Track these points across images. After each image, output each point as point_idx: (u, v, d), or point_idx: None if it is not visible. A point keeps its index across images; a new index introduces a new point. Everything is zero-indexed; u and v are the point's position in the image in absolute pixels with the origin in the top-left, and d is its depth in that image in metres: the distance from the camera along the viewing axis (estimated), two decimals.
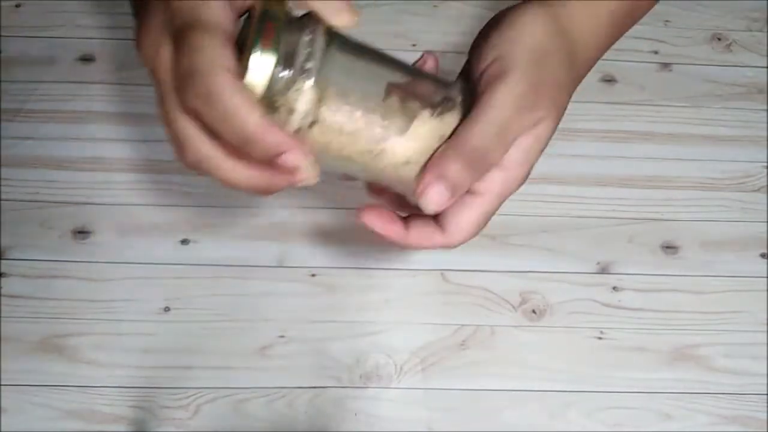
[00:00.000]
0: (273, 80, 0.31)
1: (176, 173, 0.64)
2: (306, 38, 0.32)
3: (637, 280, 0.63)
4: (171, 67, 0.30)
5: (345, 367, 0.59)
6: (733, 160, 0.69)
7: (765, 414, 0.59)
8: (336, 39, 0.34)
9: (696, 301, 0.63)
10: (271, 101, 0.31)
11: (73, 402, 0.56)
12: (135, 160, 0.65)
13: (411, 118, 0.35)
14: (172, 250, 0.62)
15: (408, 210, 0.41)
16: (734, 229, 0.66)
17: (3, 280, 0.60)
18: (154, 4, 0.31)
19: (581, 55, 0.37)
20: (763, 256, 0.65)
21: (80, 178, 0.64)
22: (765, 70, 0.74)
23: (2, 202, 0.62)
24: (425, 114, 0.35)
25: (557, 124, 0.36)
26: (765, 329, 0.62)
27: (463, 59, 0.40)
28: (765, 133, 0.70)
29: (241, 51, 0.31)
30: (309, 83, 0.32)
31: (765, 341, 0.62)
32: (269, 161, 0.30)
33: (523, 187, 0.38)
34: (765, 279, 0.64)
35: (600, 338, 0.61)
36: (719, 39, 0.75)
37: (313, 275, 0.62)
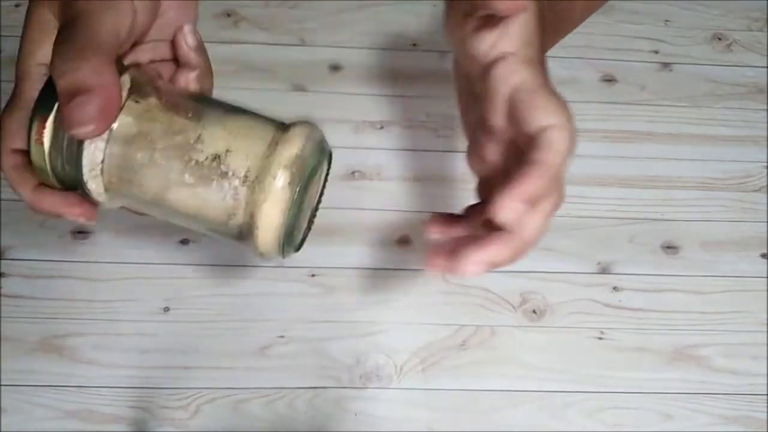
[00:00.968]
0: (52, 165, 0.32)
1: None
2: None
3: (638, 280, 0.63)
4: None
5: (345, 367, 0.59)
6: (734, 160, 0.69)
7: (765, 414, 0.59)
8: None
9: (696, 301, 0.63)
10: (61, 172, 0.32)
11: (72, 402, 0.56)
12: None
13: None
14: (172, 250, 0.62)
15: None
16: (734, 229, 0.66)
17: (3, 280, 0.60)
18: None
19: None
20: (763, 256, 0.65)
21: None
22: (765, 70, 0.74)
23: (2, 202, 0.62)
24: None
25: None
26: (765, 329, 0.62)
27: None
28: (765, 133, 0.70)
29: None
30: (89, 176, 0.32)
31: (765, 341, 0.62)
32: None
33: None
34: (765, 279, 0.64)
35: (600, 338, 0.61)
36: (719, 39, 0.75)
37: (313, 275, 0.62)
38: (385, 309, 0.61)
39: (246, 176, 0.30)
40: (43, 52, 0.31)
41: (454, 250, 0.32)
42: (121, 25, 0.31)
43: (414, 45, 0.72)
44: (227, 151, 0.31)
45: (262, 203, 0.30)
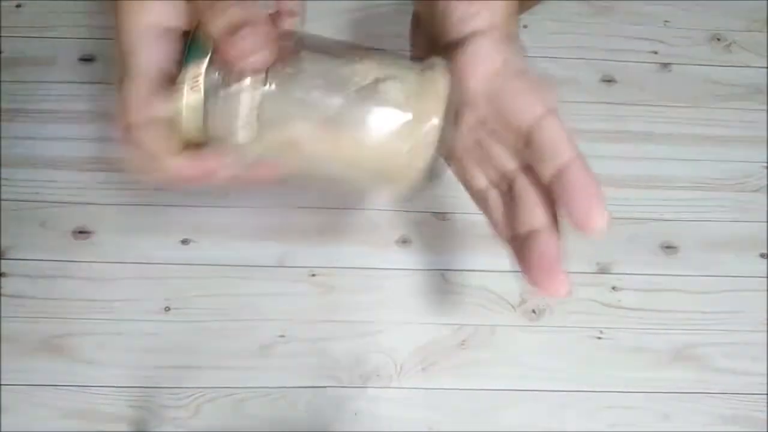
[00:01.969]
0: (205, 116, 0.31)
1: None
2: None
3: (637, 280, 0.64)
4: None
5: (345, 367, 0.59)
6: (733, 160, 0.69)
7: (765, 414, 0.59)
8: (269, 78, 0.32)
9: (696, 301, 0.63)
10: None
11: (73, 402, 0.56)
12: None
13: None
14: (172, 250, 0.62)
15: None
16: (734, 229, 0.66)
17: (3, 280, 0.60)
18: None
19: None
20: (762, 256, 0.65)
21: (80, 178, 0.64)
22: (764, 70, 0.74)
23: (2, 202, 0.62)
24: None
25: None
26: (765, 329, 0.62)
27: None
28: (765, 133, 0.70)
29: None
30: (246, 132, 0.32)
31: (765, 341, 0.62)
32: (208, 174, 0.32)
33: None
34: (764, 279, 0.64)
35: (599, 338, 0.61)
36: (719, 39, 0.75)
37: (313, 275, 0.62)
38: (385, 309, 0.61)
39: (405, 103, 0.31)
40: (149, 15, 0.31)
41: (545, 266, 0.30)
42: None
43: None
44: (384, 78, 0.31)
45: (421, 127, 0.31)
